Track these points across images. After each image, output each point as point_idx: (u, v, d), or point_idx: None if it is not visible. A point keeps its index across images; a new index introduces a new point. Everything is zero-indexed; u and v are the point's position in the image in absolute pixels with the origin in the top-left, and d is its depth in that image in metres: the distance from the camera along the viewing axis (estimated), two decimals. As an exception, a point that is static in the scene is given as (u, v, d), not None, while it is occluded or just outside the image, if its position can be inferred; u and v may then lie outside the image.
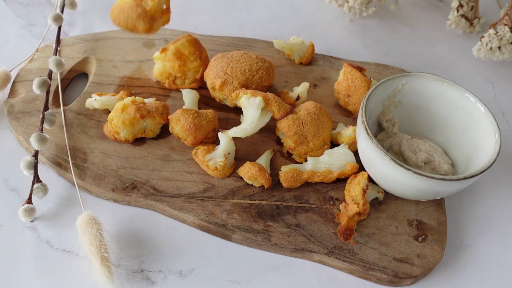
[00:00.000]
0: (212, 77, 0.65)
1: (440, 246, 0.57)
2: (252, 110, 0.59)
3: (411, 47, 0.86)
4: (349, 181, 0.59)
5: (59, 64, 0.65)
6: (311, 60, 0.76)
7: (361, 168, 0.61)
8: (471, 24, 0.87)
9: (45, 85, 0.62)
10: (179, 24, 0.82)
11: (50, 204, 0.58)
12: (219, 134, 0.60)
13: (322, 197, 0.60)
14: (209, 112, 0.62)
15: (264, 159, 0.61)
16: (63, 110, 0.64)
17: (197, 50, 0.68)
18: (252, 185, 0.60)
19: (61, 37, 0.72)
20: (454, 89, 0.61)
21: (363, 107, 0.56)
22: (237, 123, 0.65)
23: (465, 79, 0.81)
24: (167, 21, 0.64)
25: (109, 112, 0.64)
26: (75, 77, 0.71)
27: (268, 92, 0.62)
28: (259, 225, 0.56)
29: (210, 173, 0.60)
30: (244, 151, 0.63)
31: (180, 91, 0.68)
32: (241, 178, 0.60)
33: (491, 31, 0.76)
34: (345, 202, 0.58)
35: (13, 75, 0.68)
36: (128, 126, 0.60)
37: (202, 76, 0.68)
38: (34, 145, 0.57)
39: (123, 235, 0.56)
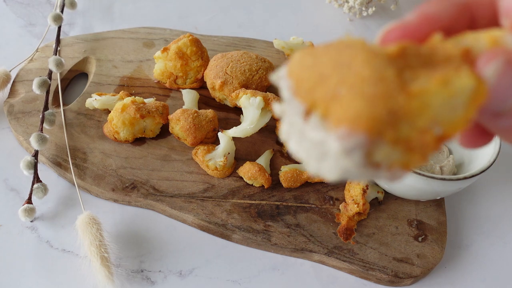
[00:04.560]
0: (212, 77, 0.65)
1: (440, 246, 0.57)
2: (252, 110, 0.59)
3: (411, 47, 0.86)
4: (349, 181, 0.59)
5: (59, 64, 0.65)
6: (311, 60, 0.76)
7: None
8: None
9: (45, 85, 0.62)
10: (179, 24, 0.82)
11: (50, 204, 0.58)
12: (219, 134, 0.60)
13: (322, 197, 0.60)
14: (209, 112, 0.62)
15: (264, 159, 0.61)
16: (63, 110, 0.64)
17: (199, 49, 0.68)
18: (252, 185, 0.60)
19: (61, 37, 0.72)
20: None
21: (363, 107, 0.56)
22: (237, 123, 0.65)
23: (465, 79, 0.81)
24: None
25: (109, 112, 0.64)
26: (75, 77, 0.71)
27: (268, 92, 0.62)
28: (259, 225, 0.56)
29: (210, 173, 0.60)
30: (244, 151, 0.63)
31: (180, 91, 0.68)
32: (241, 178, 0.60)
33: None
34: (345, 202, 0.58)
35: (13, 75, 0.68)
36: (128, 126, 0.60)
37: (203, 76, 0.68)
38: (34, 145, 0.57)
39: (123, 235, 0.56)
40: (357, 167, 0.22)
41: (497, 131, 0.25)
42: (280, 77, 0.25)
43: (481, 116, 0.24)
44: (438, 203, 0.61)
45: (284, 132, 0.25)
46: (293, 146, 0.25)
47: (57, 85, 0.66)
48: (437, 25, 0.26)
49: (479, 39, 0.24)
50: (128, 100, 0.61)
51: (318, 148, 0.23)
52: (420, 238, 0.57)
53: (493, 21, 0.27)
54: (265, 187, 0.59)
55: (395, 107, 0.20)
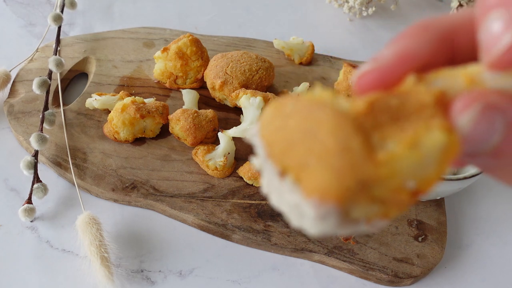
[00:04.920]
0: (212, 77, 0.65)
1: (440, 246, 0.57)
2: (252, 110, 0.59)
3: (411, 47, 0.86)
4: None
5: (59, 64, 0.65)
6: (311, 60, 0.76)
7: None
8: (471, 24, 0.87)
9: (45, 85, 0.63)
10: (179, 24, 0.82)
11: (50, 204, 0.58)
12: (219, 134, 0.60)
13: (322, 197, 0.60)
14: (209, 112, 0.62)
15: (264, 159, 0.61)
16: (63, 110, 0.64)
17: (199, 50, 0.68)
18: (252, 185, 0.60)
19: (61, 37, 0.72)
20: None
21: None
22: (237, 123, 0.65)
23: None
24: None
25: (109, 112, 0.64)
26: (75, 77, 0.71)
27: (268, 92, 0.62)
28: (259, 225, 0.56)
29: (210, 173, 0.60)
30: (244, 151, 0.63)
31: (180, 91, 0.68)
32: (241, 178, 0.60)
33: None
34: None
35: (13, 75, 0.68)
36: (128, 126, 0.60)
37: (203, 76, 0.68)
38: (34, 145, 0.57)
39: (123, 235, 0.56)
40: (334, 228, 0.22)
41: (474, 165, 0.24)
42: (253, 135, 0.25)
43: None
44: (438, 203, 0.61)
45: (264, 186, 0.25)
46: (274, 201, 0.25)
47: (57, 85, 0.66)
48: (414, 64, 0.24)
49: (455, 78, 0.23)
50: (128, 100, 0.61)
51: (296, 209, 0.23)
52: (420, 238, 0.57)
53: (473, 51, 0.25)
54: (265, 187, 0.59)
55: (363, 177, 0.20)
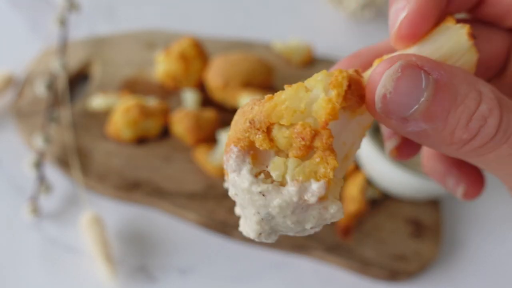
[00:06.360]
0: (213, 78, 0.66)
1: (436, 243, 0.58)
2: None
3: (410, 49, 0.86)
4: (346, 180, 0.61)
5: (63, 66, 0.66)
6: (310, 61, 0.77)
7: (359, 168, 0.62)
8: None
9: (50, 86, 0.64)
10: (180, 26, 0.83)
11: (54, 202, 0.59)
12: (219, 134, 0.61)
13: (321, 196, 0.61)
14: (210, 112, 0.64)
15: (264, 159, 0.62)
16: (68, 110, 0.65)
17: (200, 51, 0.69)
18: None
19: (65, 39, 0.73)
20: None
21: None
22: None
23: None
24: None
25: (113, 112, 0.65)
26: (79, 78, 0.72)
27: (268, 94, 0.63)
28: (258, 223, 0.57)
29: (210, 172, 0.61)
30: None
31: (181, 92, 0.69)
32: (241, 177, 0.61)
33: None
34: (344, 200, 0.59)
35: (18, 76, 0.69)
36: (131, 126, 0.62)
37: (204, 77, 0.69)
38: (39, 144, 0.59)
39: (126, 233, 0.57)
40: (253, 184, 0.23)
41: (409, 136, 0.25)
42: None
43: (391, 121, 0.24)
44: (435, 202, 0.62)
45: (230, 190, 0.26)
46: (237, 211, 0.27)
47: (62, 86, 0.68)
48: None
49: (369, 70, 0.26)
50: (131, 101, 0.63)
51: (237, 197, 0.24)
52: (416, 236, 0.58)
53: None
54: (265, 186, 0.60)
55: (251, 116, 0.23)
